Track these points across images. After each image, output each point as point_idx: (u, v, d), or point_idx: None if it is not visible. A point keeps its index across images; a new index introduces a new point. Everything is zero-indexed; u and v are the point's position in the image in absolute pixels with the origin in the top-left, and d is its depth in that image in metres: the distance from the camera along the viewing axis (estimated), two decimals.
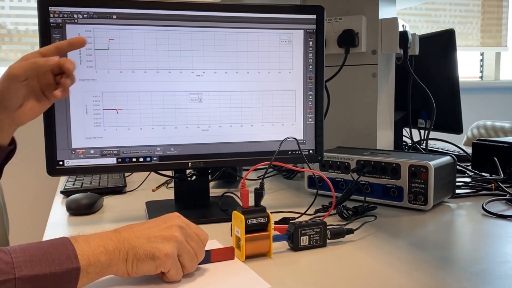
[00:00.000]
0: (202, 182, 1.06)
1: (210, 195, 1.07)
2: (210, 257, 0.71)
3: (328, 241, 0.81)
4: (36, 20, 0.88)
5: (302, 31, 1.02)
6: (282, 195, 1.20)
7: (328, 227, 0.81)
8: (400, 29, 1.31)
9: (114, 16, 0.91)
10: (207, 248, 0.70)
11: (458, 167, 1.19)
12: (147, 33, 0.93)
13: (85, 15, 0.89)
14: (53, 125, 0.90)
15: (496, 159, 1.27)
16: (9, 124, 0.75)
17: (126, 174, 1.38)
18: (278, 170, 1.43)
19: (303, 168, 1.19)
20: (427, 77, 1.43)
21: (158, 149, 0.96)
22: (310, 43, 1.02)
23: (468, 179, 1.27)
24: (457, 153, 1.59)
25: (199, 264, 0.69)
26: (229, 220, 0.80)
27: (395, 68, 1.40)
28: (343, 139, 1.35)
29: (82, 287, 0.58)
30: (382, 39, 1.31)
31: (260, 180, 0.78)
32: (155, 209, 1.01)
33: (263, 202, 0.77)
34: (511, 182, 1.22)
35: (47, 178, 1.00)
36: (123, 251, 0.60)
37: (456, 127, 1.49)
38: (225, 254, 0.73)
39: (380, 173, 1.06)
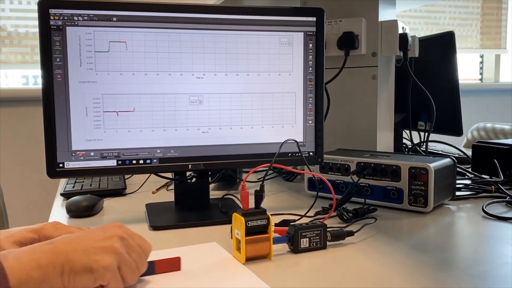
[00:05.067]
0: (202, 184, 1.06)
1: (210, 197, 1.07)
2: (154, 268, 0.68)
3: (328, 243, 0.81)
4: (36, 23, 0.88)
5: (302, 33, 1.02)
6: (282, 197, 1.20)
7: (328, 229, 0.81)
8: (400, 31, 1.31)
9: (115, 19, 0.91)
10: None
11: (458, 169, 1.19)
12: (147, 35, 0.93)
13: (85, 18, 0.90)
14: (53, 127, 0.90)
15: (496, 161, 1.27)
16: None
17: (126, 176, 1.38)
18: (278, 172, 1.43)
19: (303, 170, 1.19)
20: (427, 79, 1.43)
21: (158, 151, 0.96)
22: (310, 45, 1.03)
23: (468, 181, 1.26)
24: (457, 155, 1.59)
25: (142, 275, 0.65)
26: (229, 222, 0.80)
27: (395, 70, 1.40)
28: (343, 141, 1.35)
29: None
30: (382, 41, 1.31)
31: (260, 182, 0.78)
32: (155, 211, 1.02)
33: (263, 204, 0.77)
34: (511, 184, 1.22)
35: (47, 180, 1.00)
36: (58, 264, 0.56)
37: (456, 129, 1.49)
38: (170, 265, 0.70)
39: (380, 175, 1.06)
